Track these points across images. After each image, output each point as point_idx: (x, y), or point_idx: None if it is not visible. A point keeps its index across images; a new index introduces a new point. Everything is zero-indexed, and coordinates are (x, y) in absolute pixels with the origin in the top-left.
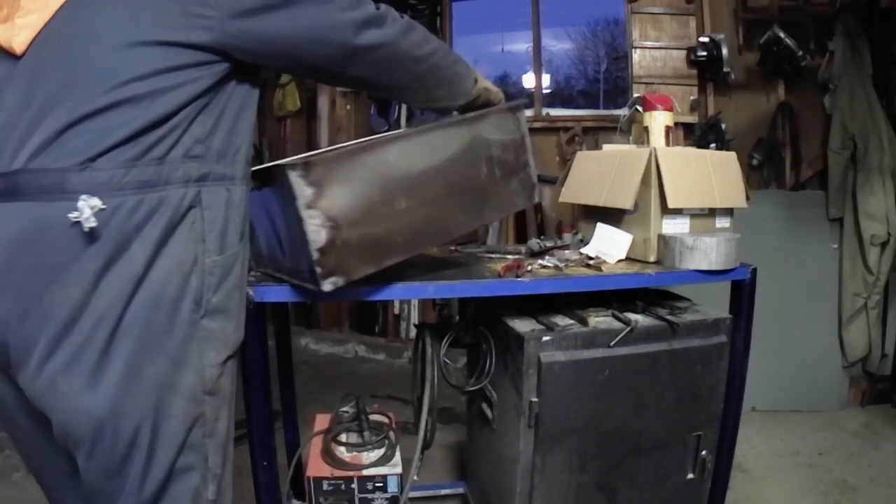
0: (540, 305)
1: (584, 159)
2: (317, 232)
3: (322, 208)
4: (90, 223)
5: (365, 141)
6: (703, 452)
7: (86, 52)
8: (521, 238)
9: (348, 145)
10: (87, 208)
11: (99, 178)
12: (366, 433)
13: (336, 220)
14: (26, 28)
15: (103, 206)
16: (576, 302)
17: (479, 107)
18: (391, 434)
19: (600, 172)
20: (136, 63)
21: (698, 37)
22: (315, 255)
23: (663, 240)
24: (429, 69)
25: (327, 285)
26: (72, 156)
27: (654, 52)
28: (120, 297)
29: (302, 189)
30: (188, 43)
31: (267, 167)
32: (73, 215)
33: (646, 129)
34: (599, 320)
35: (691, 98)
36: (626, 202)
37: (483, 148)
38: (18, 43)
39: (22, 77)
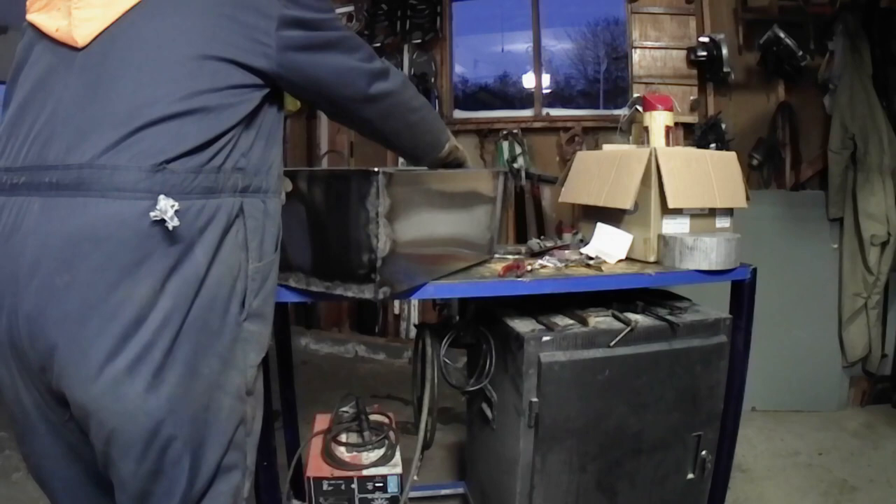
0: (540, 305)
1: (584, 159)
2: (385, 242)
3: (391, 220)
4: (174, 222)
5: (419, 170)
6: (703, 452)
7: (163, 58)
8: (521, 238)
9: (410, 170)
10: (169, 207)
11: (172, 181)
12: (366, 433)
13: (396, 234)
14: (90, 21)
15: (178, 207)
16: (576, 302)
17: (451, 162)
18: (391, 434)
19: (600, 172)
20: (210, 76)
21: (698, 37)
22: (379, 264)
23: (663, 240)
24: (420, 119)
25: (381, 293)
26: (148, 156)
27: (654, 52)
28: (185, 297)
29: (384, 198)
30: (252, 66)
31: (332, 170)
32: (154, 214)
33: (646, 129)
34: (599, 320)
35: (691, 98)
36: (626, 202)
37: (482, 199)
38: (81, 35)
39: (83, 70)
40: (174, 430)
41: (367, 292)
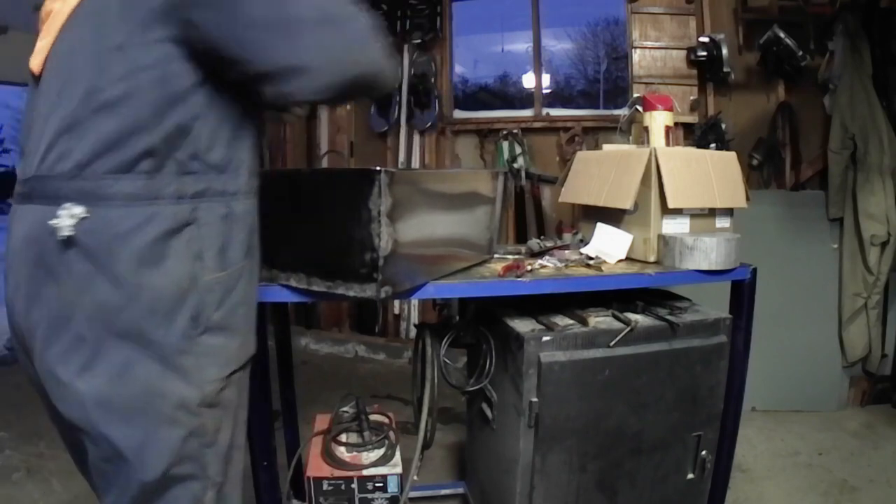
0: (540, 305)
1: (584, 159)
2: (387, 241)
3: (393, 219)
4: (64, 232)
5: (421, 170)
6: (703, 452)
7: (72, 64)
8: (521, 238)
9: (412, 170)
10: (67, 217)
11: (87, 188)
12: (366, 433)
13: (397, 234)
14: (40, 51)
15: (86, 215)
16: (576, 302)
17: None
18: (391, 434)
19: (600, 172)
20: (108, 69)
21: (698, 37)
22: (381, 263)
23: (663, 240)
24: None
25: (383, 292)
26: (64, 163)
27: (654, 52)
28: (110, 301)
29: (386, 197)
30: (148, 40)
31: (334, 169)
32: (52, 222)
33: (646, 129)
34: (599, 320)
35: (691, 98)
36: (626, 202)
37: (482, 199)
38: (34, 65)
39: (39, 94)
40: (105, 425)
41: (368, 291)
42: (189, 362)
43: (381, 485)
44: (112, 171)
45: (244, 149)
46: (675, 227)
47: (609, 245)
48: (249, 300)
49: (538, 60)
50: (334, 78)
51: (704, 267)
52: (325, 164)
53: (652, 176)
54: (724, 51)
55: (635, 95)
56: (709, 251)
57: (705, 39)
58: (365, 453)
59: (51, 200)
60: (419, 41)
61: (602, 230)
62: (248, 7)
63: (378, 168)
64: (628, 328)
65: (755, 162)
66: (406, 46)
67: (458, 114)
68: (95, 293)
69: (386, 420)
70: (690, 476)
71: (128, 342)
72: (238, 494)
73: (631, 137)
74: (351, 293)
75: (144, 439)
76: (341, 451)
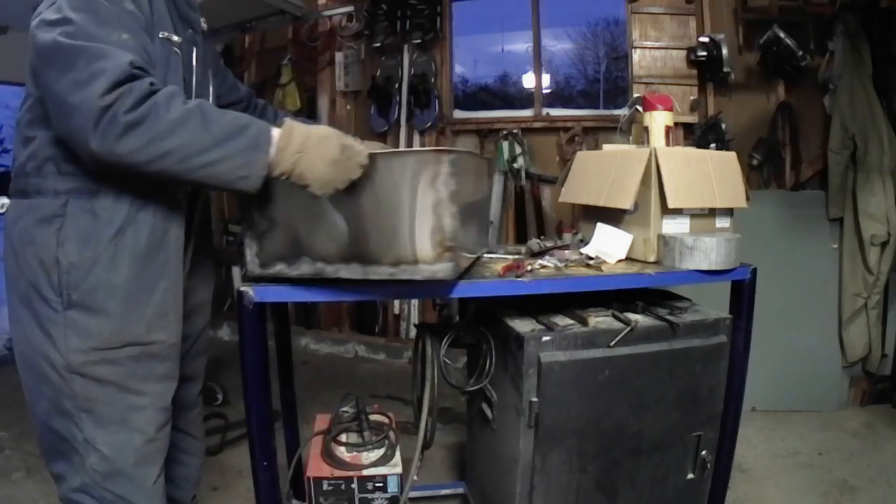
0: (540, 305)
1: (584, 159)
2: (452, 222)
3: (454, 202)
4: None
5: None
6: (703, 452)
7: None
8: (521, 238)
9: (459, 150)
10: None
11: (14, 186)
12: (366, 433)
13: (455, 217)
14: None
15: (5, 203)
16: (576, 302)
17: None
18: (391, 434)
19: (600, 172)
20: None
21: (698, 37)
22: (449, 243)
23: (663, 240)
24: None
25: (455, 272)
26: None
27: (654, 52)
28: (10, 271)
29: (449, 180)
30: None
31: (400, 151)
32: None
33: (646, 129)
34: (599, 320)
35: (691, 98)
36: (626, 202)
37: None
38: None
39: None
40: (20, 371)
41: (440, 272)
42: (56, 331)
43: (381, 485)
44: (19, 174)
45: None
46: (675, 227)
47: (609, 245)
48: (113, 287)
49: (538, 60)
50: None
51: (704, 267)
52: None
53: (652, 176)
54: (724, 51)
55: (635, 95)
56: (709, 251)
57: (705, 39)
58: (365, 453)
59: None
60: (419, 41)
61: (602, 230)
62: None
63: (446, 148)
64: (628, 328)
65: (755, 162)
66: (406, 46)
67: (458, 114)
68: (8, 265)
69: (386, 420)
70: (690, 476)
71: (24, 306)
72: (143, 478)
73: (631, 137)
74: (418, 276)
75: (32, 387)
76: (341, 451)
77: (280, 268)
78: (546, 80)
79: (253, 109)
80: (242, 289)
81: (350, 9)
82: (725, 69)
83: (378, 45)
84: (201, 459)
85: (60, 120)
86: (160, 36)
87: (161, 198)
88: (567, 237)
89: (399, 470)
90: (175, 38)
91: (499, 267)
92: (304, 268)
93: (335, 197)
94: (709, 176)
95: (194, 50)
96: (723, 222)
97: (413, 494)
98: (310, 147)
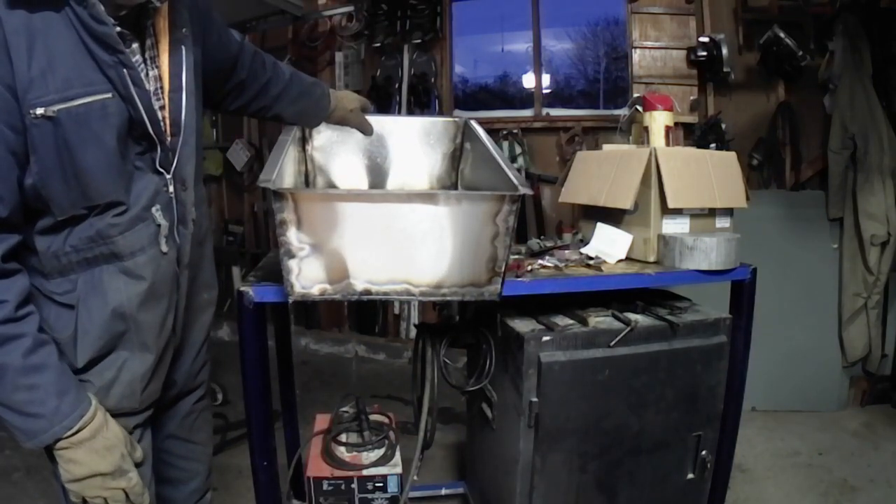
0: (540, 305)
1: (584, 159)
2: (505, 253)
3: (508, 236)
4: None
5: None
6: (703, 452)
7: None
8: (521, 238)
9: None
10: None
11: None
12: (366, 433)
13: (508, 249)
14: None
15: None
16: (576, 302)
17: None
18: (391, 434)
19: (600, 172)
20: None
21: (698, 37)
22: (502, 269)
23: (663, 240)
24: None
25: (498, 294)
26: None
27: (654, 52)
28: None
29: (509, 217)
30: None
31: (470, 193)
32: None
33: (646, 129)
34: (599, 320)
35: (691, 98)
36: (626, 202)
37: None
38: None
39: None
40: None
41: (488, 294)
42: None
43: (381, 485)
44: None
45: (38, 240)
46: (675, 227)
47: (609, 245)
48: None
49: (538, 60)
50: None
51: (704, 267)
52: None
53: (652, 176)
54: (724, 51)
55: (635, 95)
56: (709, 251)
57: (705, 39)
58: (365, 453)
59: None
60: (419, 41)
61: (602, 230)
62: None
63: (517, 193)
64: (628, 328)
65: (755, 162)
66: (406, 46)
67: (458, 113)
68: None
69: (386, 420)
70: (690, 476)
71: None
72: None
73: (631, 137)
74: (468, 298)
75: None
76: (341, 451)
77: (323, 287)
78: (546, 80)
79: (249, 74)
80: (242, 289)
81: (350, 9)
82: (725, 69)
83: (378, 44)
84: (207, 464)
85: None
86: (70, 104)
87: None
88: (567, 237)
89: (399, 470)
90: (93, 98)
91: None
92: (349, 289)
93: (387, 223)
94: (709, 176)
95: (145, 68)
96: (723, 222)
97: (413, 494)
98: (85, 443)
